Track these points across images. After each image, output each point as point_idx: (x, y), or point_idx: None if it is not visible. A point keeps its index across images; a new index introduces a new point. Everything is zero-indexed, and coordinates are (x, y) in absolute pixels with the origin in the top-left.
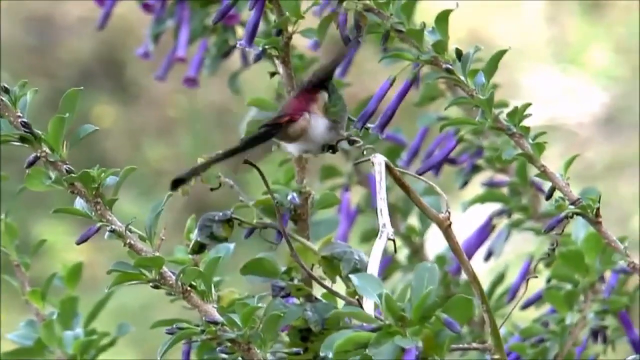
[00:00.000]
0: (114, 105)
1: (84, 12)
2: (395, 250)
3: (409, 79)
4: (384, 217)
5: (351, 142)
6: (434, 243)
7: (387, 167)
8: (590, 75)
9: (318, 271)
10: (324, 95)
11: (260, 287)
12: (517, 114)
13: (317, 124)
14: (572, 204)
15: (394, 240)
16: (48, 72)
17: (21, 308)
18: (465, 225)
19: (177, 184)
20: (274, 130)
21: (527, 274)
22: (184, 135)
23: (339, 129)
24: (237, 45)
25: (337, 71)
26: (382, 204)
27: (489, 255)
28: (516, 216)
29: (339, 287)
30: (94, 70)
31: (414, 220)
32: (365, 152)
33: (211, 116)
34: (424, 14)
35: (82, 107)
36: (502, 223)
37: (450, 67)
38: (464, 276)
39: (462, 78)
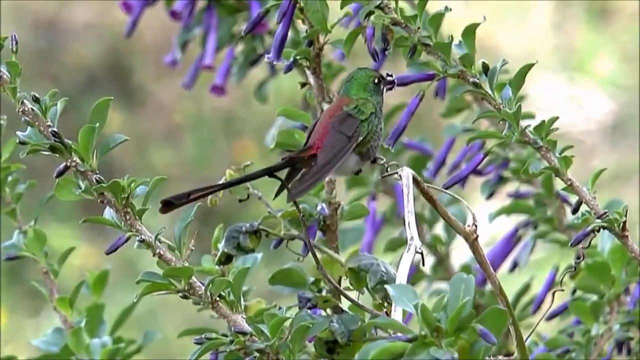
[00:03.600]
0: (120, 111)
1: (91, 18)
2: (424, 263)
3: (419, 96)
4: (412, 230)
5: (375, 161)
6: (460, 252)
7: (415, 180)
8: (596, 83)
9: (345, 282)
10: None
11: (282, 298)
12: (544, 128)
13: (347, 160)
14: (598, 217)
15: (421, 253)
16: (54, 77)
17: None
18: (490, 235)
19: (166, 205)
20: (296, 162)
21: (552, 285)
22: (189, 141)
23: (368, 159)
24: (265, 60)
25: None
26: (409, 217)
27: (514, 266)
28: (541, 227)
29: (366, 298)
30: (100, 76)
31: (439, 230)
32: (389, 168)
33: (217, 122)
34: (446, 27)
35: (87, 112)
36: (528, 234)
37: (478, 80)
38: (488, 286)
39: (489, 92)
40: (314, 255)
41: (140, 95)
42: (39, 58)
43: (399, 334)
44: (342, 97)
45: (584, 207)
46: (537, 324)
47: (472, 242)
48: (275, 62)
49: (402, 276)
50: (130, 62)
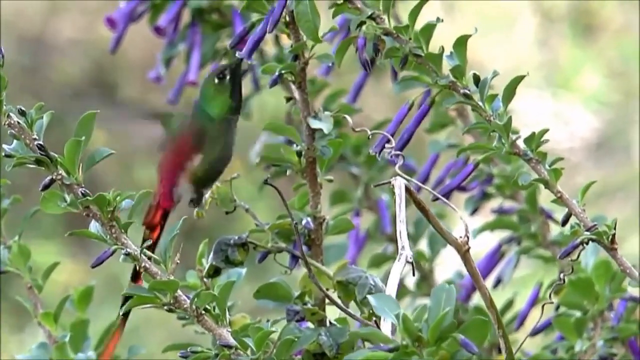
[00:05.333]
0: (104, 127)
1: (76, 33)
2: (414, 273)
3: (427, 103)
4: (403, 240)
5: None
6: (443, 269)
7: (407, 190)
8: (581, 99)
9: (332, 296)
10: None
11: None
12: (535, 140)
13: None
14: (587, 230)
15: (412, 263)
16: (39, 92)
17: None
18: (473, 251)
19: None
20: None
21: (535, 301)
22: None
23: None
24: (237, 55)
25: (349, 96)
26: (401, 227)
27: (497, 282)
28: (525, 243)
29: (354, 312)
30: (84, 91)
31: (423, 246)
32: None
33: None
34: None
35: (72, 127)
36: (511, 250)
37: (469, 92)
38: (472, 302)
39: (480, 103)
40: (307, 264)
41: (125, 111)
42: (24, 73)
43: (381, 344)
44: None
45: (572, 220)
46: (525, 340)
47: (464, 254)
48: (247, 60)
49: (392, 284)
50: (115, 77)
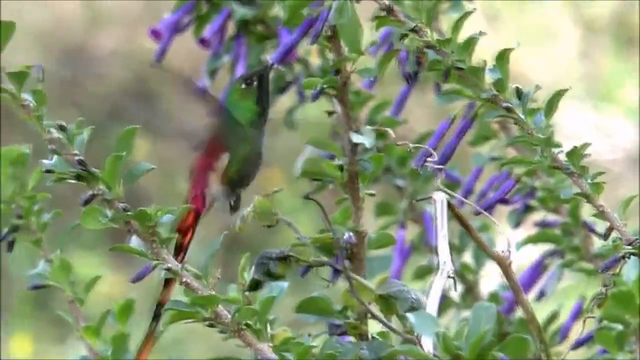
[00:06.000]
0: (146, 139)
1: (117, 45)
2: (456, 288)
3: (469, 117)
4: (444, 255)
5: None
6: (488, 281)
7: (448, 204)
8: (622, 111)
9: (373, 310)
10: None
11: (307, 323)
12: (576, 154)
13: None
14: (629, 244)
15: (454, 278)
16: (79, 104)
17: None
18: (515, 264)
19: None
20: None
21: (578, 314)
22: None
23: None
24: (267, 60)
25: (392, 109)
26: (442, 241)
27: (540, 295)
28: (568, 256)
29: (395, 326)
30: (125, 103)
31: (468, 258)
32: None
33: None
34: (478, 49)
35: (112, 140)
36: (554, 263)
37: (511, 105)
38: (516, 314)
39: (522, 117)
40: (349, 279)
41: (167, 122)
42: (64, 85)
43: None
44: None
45: (614, 234)
46: (566, 353)
47: (506, 268)
48: (276, 66)
49: (433, 300)
50: (157, 89)
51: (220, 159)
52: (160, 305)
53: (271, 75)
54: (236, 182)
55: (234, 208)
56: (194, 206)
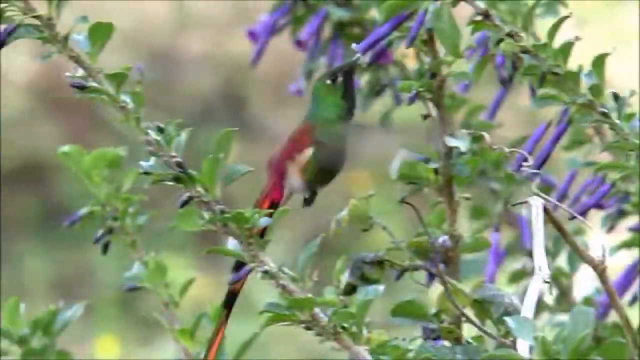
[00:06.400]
0: (235, 142)
1: (205, 48)
2: (551, 292)
3: (565, 121)
4: (540, 259)
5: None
6: (582, 285)
7: (545, 209)
8: None
9: (468, 314)
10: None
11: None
12: None
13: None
14: None
15: (549, 283)
16: (169, 107)
17: (142, 341)
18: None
19: None
20: None
21: None
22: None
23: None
24: (353, 48)
25: (487, 112)
26: (538, 246)
27: (634, 300)
28: None
29: (490, 330)
30: (214, 106)
31: (561, 262)
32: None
33: None
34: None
35: (203, 143)
36: None
37: (606, 110)
38: (609, 319)
39: (618, 122)
40: (444, 283)
41: (256, 126)
42: (154, 88)
43: None
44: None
45: None
46: None
47: (601, 272)
48: (360, 55)
49: (529, 304)
50: (245, 93)
51: (301, 152)
52: (231, 294)
53: (366, 77)
54: (317, 177)
55: (308, 203)
56: (271, 195)
